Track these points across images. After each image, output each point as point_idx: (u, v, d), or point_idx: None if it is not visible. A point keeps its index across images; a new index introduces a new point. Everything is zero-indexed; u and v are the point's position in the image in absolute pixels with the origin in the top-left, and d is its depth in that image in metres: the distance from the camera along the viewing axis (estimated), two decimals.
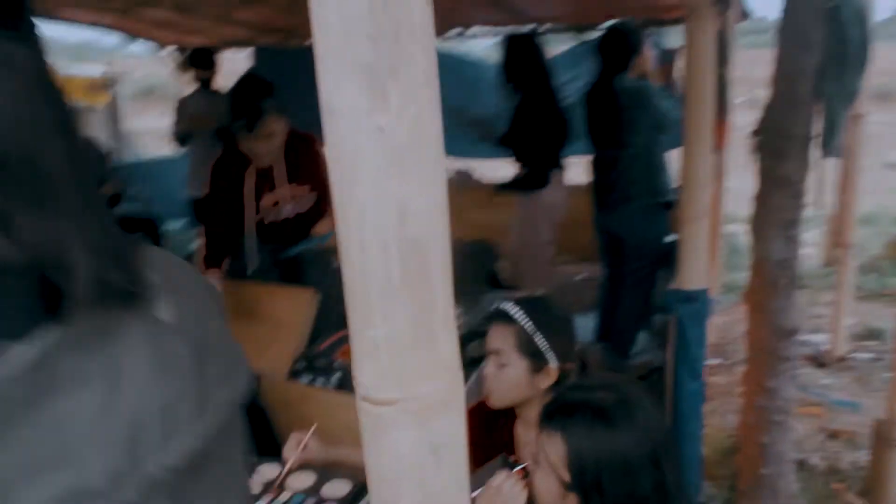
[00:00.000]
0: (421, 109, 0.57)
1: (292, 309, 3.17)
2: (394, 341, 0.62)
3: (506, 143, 4.31)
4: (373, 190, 0.57)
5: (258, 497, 1.95)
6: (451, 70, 6.24)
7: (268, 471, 2.03)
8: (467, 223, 6.17)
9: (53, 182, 0.54)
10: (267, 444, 2.07)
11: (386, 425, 0.64)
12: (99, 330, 0.56)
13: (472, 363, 2.77)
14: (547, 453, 1.50)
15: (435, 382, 0.64)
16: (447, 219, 0.62)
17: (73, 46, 24.18)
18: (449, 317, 0.64)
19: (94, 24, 5.79)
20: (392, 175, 0.57)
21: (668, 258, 3.28)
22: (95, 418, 0.54)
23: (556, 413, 1.51)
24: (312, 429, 2.04)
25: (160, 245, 6.65)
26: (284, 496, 1.95)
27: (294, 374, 2.92)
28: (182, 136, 5.66)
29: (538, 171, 4.27)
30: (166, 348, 0.61)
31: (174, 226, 7.06)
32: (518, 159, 4.37)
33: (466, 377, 2.90)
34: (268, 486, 1.98)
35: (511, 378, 1.91)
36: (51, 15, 5.38)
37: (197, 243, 6.79)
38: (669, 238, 3.79)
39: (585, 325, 4.37)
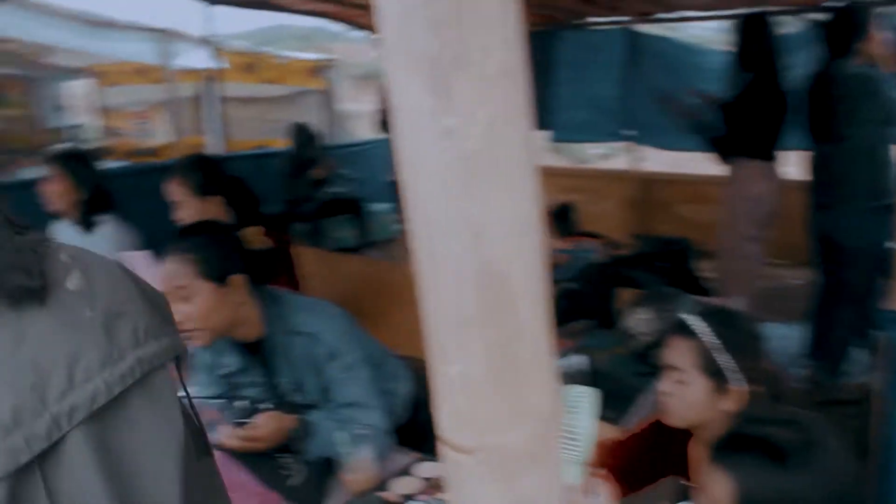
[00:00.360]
0: (498, 109, 0.47)
1: None
2: (471, 380, 0.52)
3: (727, 122, 4.03)
4: (442, 204, 0.48)
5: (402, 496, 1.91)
6: (662, 55, 5.95)
7: (428, 468, 1.99)
8: (673, 218, 5.91)
9: None
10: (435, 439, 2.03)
11: (465, 475, 0.55)
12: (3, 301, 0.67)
13: (657, 372, 2.59)
14: (713, 490, 1.34)
15: (520, 431, 0.54)
16: (536, 239, 0.51)
17: (299, 33, 25.64)
18: (540, 355, 0.54)
19: (312, 13, 6.06)
20: (463, 187, 0.47)
21: (890, 268, 2.91)
22: (2, 368, 0.65)
23: (727, 447, 1.34)
24: None
25: (366, 224, 6.88)
26: (442, 496, 1.90)
27: None
28: (386, 121, 5.79)
29: (733, 144, 3.97)
30: (72, 310, 0.71)
31: (379, 208, 7.27)
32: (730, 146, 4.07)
33: (650, 387, 2.73)
34: (427, 484, 1.94)
35: (689, 398, 1.74)
36: (275, 5, 5.68)
37: (400, 226, 6.96)
38: (892, 245, 3.38)
39: (794, 336, 4.02)
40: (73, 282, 0.73)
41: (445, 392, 0.53)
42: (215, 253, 1.91)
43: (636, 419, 2.51)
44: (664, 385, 1.80)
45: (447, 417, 0.54)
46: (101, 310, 0.73)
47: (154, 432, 0.74)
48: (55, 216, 3.28)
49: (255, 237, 2.07)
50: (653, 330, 3.29)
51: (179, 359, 0.81)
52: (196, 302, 1.88)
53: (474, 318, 0.50)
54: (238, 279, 1.93)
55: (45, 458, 0.65)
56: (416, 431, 2.27)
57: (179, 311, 1.89)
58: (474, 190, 0.47)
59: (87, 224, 3.22)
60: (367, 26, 6.57)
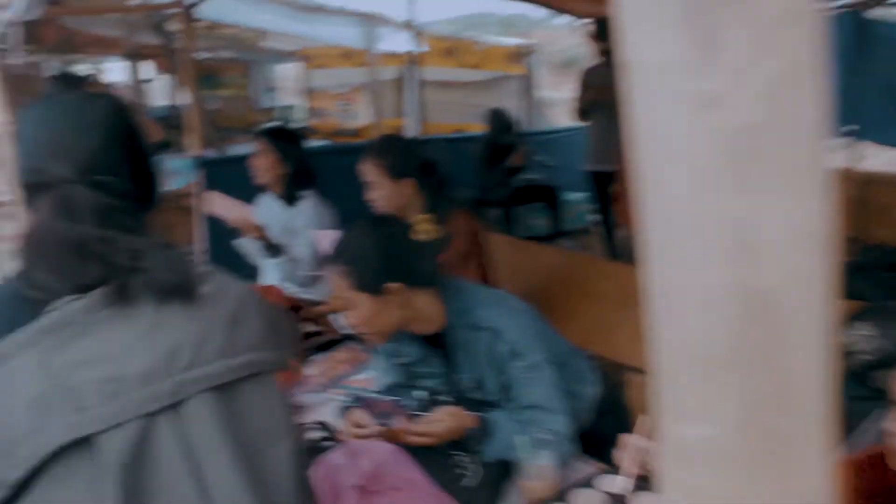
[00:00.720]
0: (785, 69, 0.32)
1: None
2: (719, 449, 0.37)
3: None
4: (694, 199, 0.34)
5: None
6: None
7: (613, 482, 1.81)
8: (894, 223, 5.33)
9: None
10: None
11: None
12: (148, 296, 0.89)
13: (877, 395, 2.27)
14: None
15: None
16: (824, 256, 0.35)
17: (501, 20, 25.73)
18: (817, 418, 0.38)
19: None
20: (728, 176, 0.33)
21: None
22: (139, 339, 0.85)
23: None
24: (643, 425, 1.76)
25: (560, 213, 6.73)
26: None
27: None
28: (583, 109, 5.58)
29: None
30: (203, 308, 0.91)
31: (574, 197, 7.10)
32: None
33: (868, 413, 2.41)
34: (611, 501, 1.77)
35: None
36: None
37: (593, 217, 6.76)
38: None
39: None
40: (206, 288, 0.94)
41: (678, 459, 0.39)
42: (370, 263, 1.88)
43: (855, 451, 2.22)
44: (891, 423, 1.53)
45: (678, 492, 0.40)
46: (226, 313, 0.92)
47: (267, 420, 0.91)
48: (262, 189, 3.41)
49: (427, 227, 2.00)
50: (875, 348, 2.94)
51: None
52: (357, 311, 1.90)
53: (728, 360, 0.36)
54: (395, 286, 1.87)
55: (177, 411, 0.84)
56: (600, 438, 2.10)
57: (350, 316, 1.94)
58: (743, 181, 0.33)
59: (289, 198, 3.32)
60: (571, 11, 6.39)
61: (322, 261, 3.20)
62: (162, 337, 0.86)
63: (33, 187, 1.03)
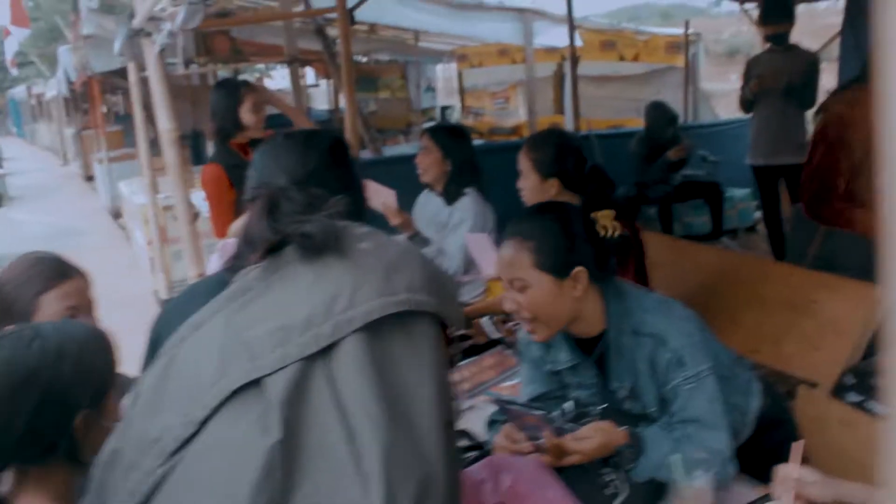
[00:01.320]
0: None
1: (852, 309, 2.64)
2: None
3: None
4: None
5: None
6: None
7: None
8: None
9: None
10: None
11: None
12: (310, 255, 1.04)
13: None
14: None
15: None
16: None
17: (661, 10, 25.00)
18: None
19: None
20: None
21: None
22: (303, 292, 1.01)
23: None
24: (800, 447, 1.59)
25: (722, 210, 6.40)
26: None
27: (839, 389, 2.42)
28: (748, 100, 5.25)
29: None
30: (359, 260, 1.04)
31: (737, 193, 6.77)
32: None
33: None
34: None
35: None
36: None
37: (758, 215, 6.39)
38: None
39: None
40: (364, 245, 1.06)
41: None
42: (558, 242, 1.76)
43: None
44: None
45: None
46: (384, 263, 1.04)
47: (414, 364, 0.99)
48: (426, 186, 3.43)
49: (609, 222, 1.87)
50: None
51: (450, 337, 1.10)
52: (530, 294, 1.76)
53: None
54: (580, 273, 1.76)
55: (328, 354, 0.95)
56: (764, 456, 1.93)
57: (514, 300, 1.79)
58: None
59: (450, 196, 3.31)
60: None
61: (470, 263, 3.18)
62: (322, 288, 1.00)
63: (255, 198, 1.25)
